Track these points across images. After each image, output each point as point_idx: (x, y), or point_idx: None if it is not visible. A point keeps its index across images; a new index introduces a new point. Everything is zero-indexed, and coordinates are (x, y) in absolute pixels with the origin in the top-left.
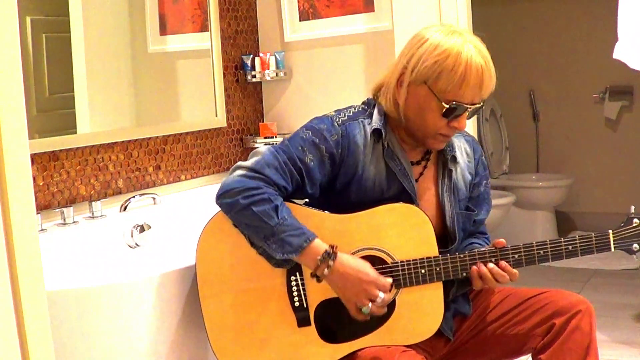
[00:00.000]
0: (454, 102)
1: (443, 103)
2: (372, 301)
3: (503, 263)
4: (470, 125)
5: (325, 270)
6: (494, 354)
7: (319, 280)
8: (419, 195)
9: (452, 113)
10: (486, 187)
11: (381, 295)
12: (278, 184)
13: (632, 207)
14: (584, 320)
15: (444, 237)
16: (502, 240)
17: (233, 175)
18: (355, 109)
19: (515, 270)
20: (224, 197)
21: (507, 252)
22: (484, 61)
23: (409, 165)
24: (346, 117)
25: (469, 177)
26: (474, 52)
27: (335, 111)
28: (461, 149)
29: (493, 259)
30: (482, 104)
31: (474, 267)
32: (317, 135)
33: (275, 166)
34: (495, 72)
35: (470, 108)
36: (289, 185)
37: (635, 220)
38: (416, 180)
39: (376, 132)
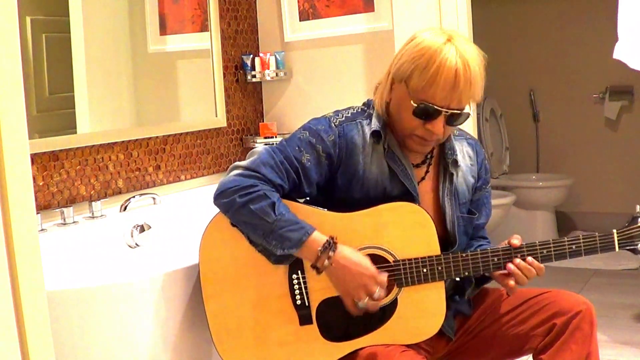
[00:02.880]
0: (423, 102)
1: (412, 101)
2: (369, 296)
3: (530, 259)
4: (470, 126)
5: (326, 262)
6: (494, 354)
7: (318, 272)
8: (420, 198)
9: (423, 113)
10: (487, 191)
11: (378, 290)
12: (274, 182)
13: (638, 207)
14: (585, 320)
15: (445, 241)
16: (516, 241)
17: (229, 175)
18: (354, 110)
19: (541, 265)
20: (221, 197)
21: (509, 252)
22: (463, 66)
23: (410, 166)
24: (344, 118)
25: (471, 180)
26: (454, 54)
27: (334, 112)
28: (463, 152)
29: (496, 259)
30: (464, 111)
31: (509, 265)
32: (314, 136)
33: (271, 165)
34: (479, 81)
35: (446, 112)
36: (285, 183)
37: None
38: (418, 183)
39: (375, 134)
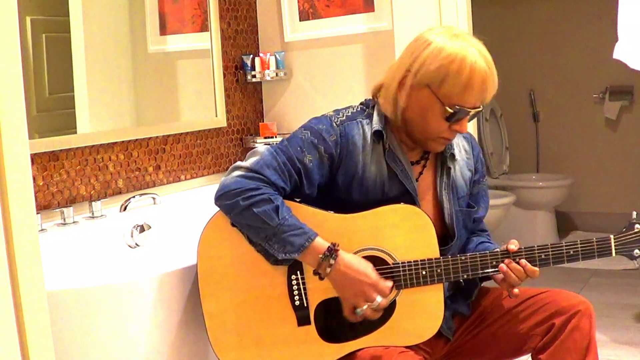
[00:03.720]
0: (457, 107)
1: (447, 107)
2: (369, 304)
3: (523, 261)
4: (471, 125)
5: (327, 269)
6: (493, 354)
7: (321, 277)
8: (419, 195)
9: (455, 117)
10: (484, 184)
11: (378, 299)
12: (277, 184)
13: (634, 213)
14: (584, 320)
15: (445, 235)
16: (514, 245)
17: (231, 176)
18: (353, 109)
19: (535, 269)
20: (223, 199)
21: (507, 255)
22: (487, 65)
23: (409, 166)
24: (345, 118)
25: (468, 173)
26: (478, 56)
27: (334, 111)
28: (459, 146)
29: (494, 262)
30: (482, 107)
31: (501, 266)
32: (315, 136)
33: (274, 166)
34: (497, 75)
35: (472, 112)
36: (287, 185)
37: (637, 225)
38: (416, 180)
39: (377, 134)
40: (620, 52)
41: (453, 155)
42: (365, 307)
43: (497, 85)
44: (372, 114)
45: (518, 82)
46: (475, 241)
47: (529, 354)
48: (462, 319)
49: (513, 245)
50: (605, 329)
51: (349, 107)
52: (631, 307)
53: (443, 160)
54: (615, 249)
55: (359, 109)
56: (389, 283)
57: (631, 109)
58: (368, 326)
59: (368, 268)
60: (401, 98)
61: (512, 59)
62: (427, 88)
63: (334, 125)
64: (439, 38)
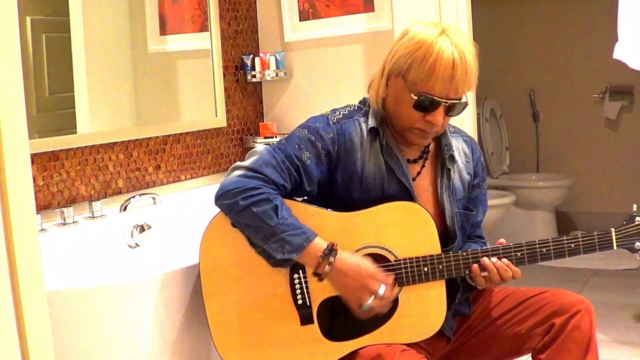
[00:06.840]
0: (424, 95)
1: (412, 94)
2: (374, 296)
3: (506, 260)
4: (470, 126)
5: (327, 267)
6: (494, 354)
7: (320, 278)
8: (418, 194)
9: (423, 105)
10: (484, 188)
11: (382, 288)
12: (277, 182)
13: (635, 206)
14: (584, 319)
15: (444, 237)
16: (503, 240)
17: (231, 176)
18: (350, 108)
19: (517, 269)
20: (223, 199)
21: (509, 250)
22: (459, 55)
23: (405, 163)
24: (341, 116)
25: (467, 177)
26: (449, 45)
27: (331, 110)
28: (459, 149)
29: (496, 257)
30: (462, 101)
31: (475, 265)
32: (313, 134)
33: (273, 165)
34: (474, 70)
35: (446, 103)
36: (287, 183)
37: (638, 218)
38: (414, 179)
39: (373, 131)
40: (620, 52)
41: (452, 157)
42: (370, 300)
43: (471, 78)
44: (369, 111)
45: (518, 82)
46: (473, 248)
47: (529, 354)
48: (463, 319)
49: (503, 240)
50: (605, 329)
51: (346, 106)
52: (631, 307)
53: (442, 161)
54: (617, 242)
55: (356, 107)
56: (391, 275)
57: (631, 109)
58: (371, 324)
59: (366, 262)
60: (381, 87)
61: (512, 59)
62: (401, 76)
63: (331, 123)
64: (417, 28)
